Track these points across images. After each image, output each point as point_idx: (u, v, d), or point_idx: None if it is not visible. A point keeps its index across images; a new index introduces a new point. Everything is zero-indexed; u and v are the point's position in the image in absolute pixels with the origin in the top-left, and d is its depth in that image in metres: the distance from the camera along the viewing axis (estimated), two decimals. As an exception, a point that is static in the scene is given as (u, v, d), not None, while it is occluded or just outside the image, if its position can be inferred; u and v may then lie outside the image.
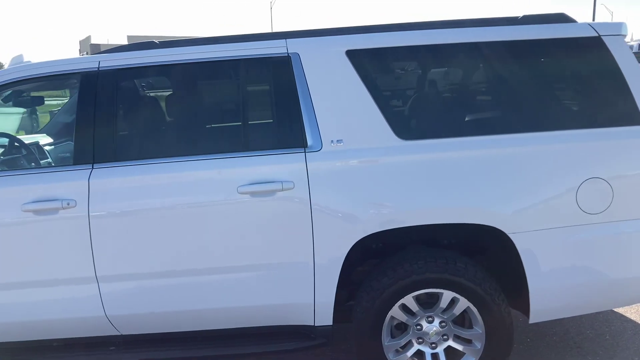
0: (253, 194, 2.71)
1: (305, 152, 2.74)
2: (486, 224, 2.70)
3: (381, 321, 2.82)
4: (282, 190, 2.70)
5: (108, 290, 2.82)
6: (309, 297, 2.80)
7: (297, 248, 2.74)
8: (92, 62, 2.88)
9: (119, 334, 2.95)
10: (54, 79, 2.95)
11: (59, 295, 2.83)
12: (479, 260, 3.06)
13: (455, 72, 2.89)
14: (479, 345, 2.84)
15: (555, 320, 3.78)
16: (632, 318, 3.78)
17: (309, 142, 2.75)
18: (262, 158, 2.76)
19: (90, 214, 2.74)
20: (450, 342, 2.88)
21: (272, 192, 2.71)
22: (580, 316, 3.83)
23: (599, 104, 2.79)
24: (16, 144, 3.39)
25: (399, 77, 2.90)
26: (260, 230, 2.74)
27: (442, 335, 2.88)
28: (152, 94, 3.07)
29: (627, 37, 2.96)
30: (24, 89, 3.15)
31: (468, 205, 2.70)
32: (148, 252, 2.76)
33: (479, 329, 2.82)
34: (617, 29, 2.82)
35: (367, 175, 2.72)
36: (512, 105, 2.80)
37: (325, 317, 2.85)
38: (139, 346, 2.99)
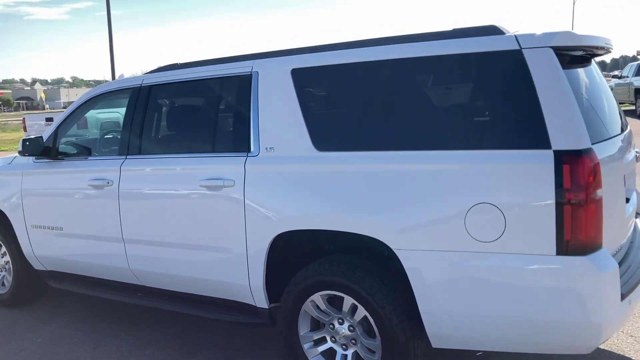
0: (208, 187, 3.34)
1: (247, 156, 3.23)
2: (372, 236, 2.75)
3: (296, 313, 3.11)
4: (225, 186, 3.25)
5: (130, 249, 3.81)
6: (245, 279, 3.29)
7: (235, 236, 3.26)
8: (138, 81, 3.90)
9: (140, 284, 3.93)
10: (121, 93, 4.07)
11: (103, 249, 3.95)
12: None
13: (370, 88, 2.92)
14: (377, 357, 2.88)
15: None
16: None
17: (252, 148, 3.23)
18: (218, 159, 3.35)
19: (119, 191, 3.77)
20: (357, 348, 2.99)
21: (219, 188, 3.29)
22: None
23: (504, 124, 2.52)
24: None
25: (329, 93, 3.11)
26: (212, 218, 3.35)
27: (351, 340, 3.01)
28: (167, 105, 3.92)
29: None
30: (109, 98, 4.32)
31: (355, 216, 2.79)
32: (146, 224, 3.65)
33: (377, 340, 2.87)
34: (546, 41, 2.48)
35: (285, 179, 3.06)
36: (415, 123, 2.74)
37: (260, 299, 3.29)
38: (153, 296, 3.91)
